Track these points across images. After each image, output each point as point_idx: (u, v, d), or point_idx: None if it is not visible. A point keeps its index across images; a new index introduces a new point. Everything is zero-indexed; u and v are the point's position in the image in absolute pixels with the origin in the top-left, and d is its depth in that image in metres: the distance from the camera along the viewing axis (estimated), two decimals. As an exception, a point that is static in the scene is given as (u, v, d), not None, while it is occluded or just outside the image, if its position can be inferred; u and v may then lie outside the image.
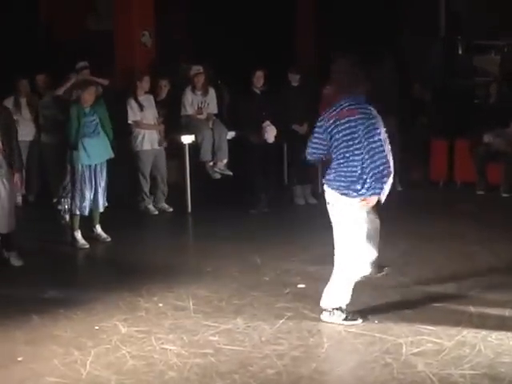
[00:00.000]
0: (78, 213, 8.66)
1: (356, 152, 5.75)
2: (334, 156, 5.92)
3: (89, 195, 8.65)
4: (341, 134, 5.80)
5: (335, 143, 5.85)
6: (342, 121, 5.79)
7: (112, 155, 8.88)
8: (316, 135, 6.01)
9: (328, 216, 6.01)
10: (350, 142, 5.77)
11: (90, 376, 5.13)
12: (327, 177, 5.99)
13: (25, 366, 5.32)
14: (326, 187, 5.99)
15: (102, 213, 8.90)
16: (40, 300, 6.66)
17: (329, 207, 6.00)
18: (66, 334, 5.88)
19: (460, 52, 15.87)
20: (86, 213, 8.71)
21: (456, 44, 15.82)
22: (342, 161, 5.84)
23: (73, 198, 8.67)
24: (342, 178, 5.84)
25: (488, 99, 12.09)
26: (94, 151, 8.66)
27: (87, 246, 8.66)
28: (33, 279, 7.45)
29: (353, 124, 5.75)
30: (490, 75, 14.65)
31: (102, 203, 8.80)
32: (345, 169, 5.83)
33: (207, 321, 6.13)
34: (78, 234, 8.71)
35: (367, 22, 14.11)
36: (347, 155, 5.80)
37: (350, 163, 5.79)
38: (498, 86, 12.26)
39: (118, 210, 9.24)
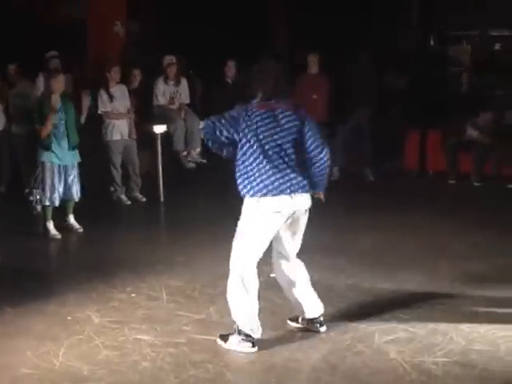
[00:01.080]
0: (47, 203, 8.61)
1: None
2: (279, 155, 5.25)
3: (58, 186, 8.58)
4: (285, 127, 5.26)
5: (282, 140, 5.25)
6: (286, 113, 5.27)
7: (79, 160, 8.78)
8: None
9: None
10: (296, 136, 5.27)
11: (63, 366, 5.11)
12: (300, 183, 5.30)
13: (-3, 357, 5.30)
14: (300, 196, 5.32)
15: (75, 203, 8.86)
16: (13, 292, 6.59)
17: (304, 217, 5.43)
18: (39, 326, 5.84)
19: (432, 43, 15.96)
20: (57, 203, 8.65)
21: (429, 35, 15.90)
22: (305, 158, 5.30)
23: (43, 189, 8.60)
24: (305, 174, 5.34)
25: (460, 88, 12.16)
26: (64, 154, 8.60)
27: (59, 237, 8.61)
28: (4, 271, 7.38)
29: (293, 117, 5.28)
30: (463, 65, 14.75)
31: (75, 193, 8.73)
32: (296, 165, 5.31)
33: (180, 311, 6.12)
34: (50, 225, 8.66)
35: (340, 14, 14.14)
36: (294, 150, 5.28)
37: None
38: (469, 75, 12.34)
39: (90, 200, 9.19)
